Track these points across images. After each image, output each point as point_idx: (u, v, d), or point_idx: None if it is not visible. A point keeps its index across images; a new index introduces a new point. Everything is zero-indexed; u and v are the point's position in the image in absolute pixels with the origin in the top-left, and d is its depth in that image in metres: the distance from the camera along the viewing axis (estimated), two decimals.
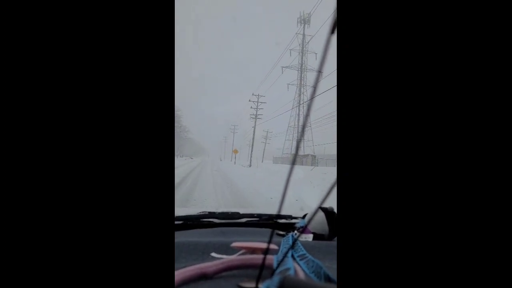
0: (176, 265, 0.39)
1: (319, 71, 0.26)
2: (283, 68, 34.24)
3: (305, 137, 32.64)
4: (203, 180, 8.90)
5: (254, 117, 27.44)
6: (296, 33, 34.17)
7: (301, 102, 33.65)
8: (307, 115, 0.30)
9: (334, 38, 0.24)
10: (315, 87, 0.28)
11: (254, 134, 27.57)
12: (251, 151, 26.89)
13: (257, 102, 27.17)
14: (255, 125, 27.39)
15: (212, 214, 0.91)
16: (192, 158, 47.78)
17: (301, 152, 30.68)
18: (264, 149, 32.15)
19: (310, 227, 0.72)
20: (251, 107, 27.39)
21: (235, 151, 29.45)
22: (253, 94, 27.07)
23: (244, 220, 0.92)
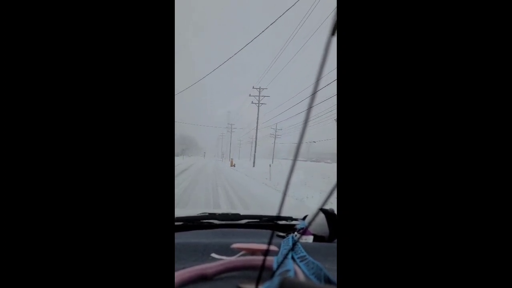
0: (175, 266, 0.39)
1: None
2: None
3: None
4: None
5: None
6: None
7: None
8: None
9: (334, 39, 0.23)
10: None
11: None
12: None
13: None
14: None
15: (212, 215, 0.91)
16: None
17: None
18: None
19: (310, 229, 0.71)
20: None
21: None
22: None
23: (244, 221, 0.92)
